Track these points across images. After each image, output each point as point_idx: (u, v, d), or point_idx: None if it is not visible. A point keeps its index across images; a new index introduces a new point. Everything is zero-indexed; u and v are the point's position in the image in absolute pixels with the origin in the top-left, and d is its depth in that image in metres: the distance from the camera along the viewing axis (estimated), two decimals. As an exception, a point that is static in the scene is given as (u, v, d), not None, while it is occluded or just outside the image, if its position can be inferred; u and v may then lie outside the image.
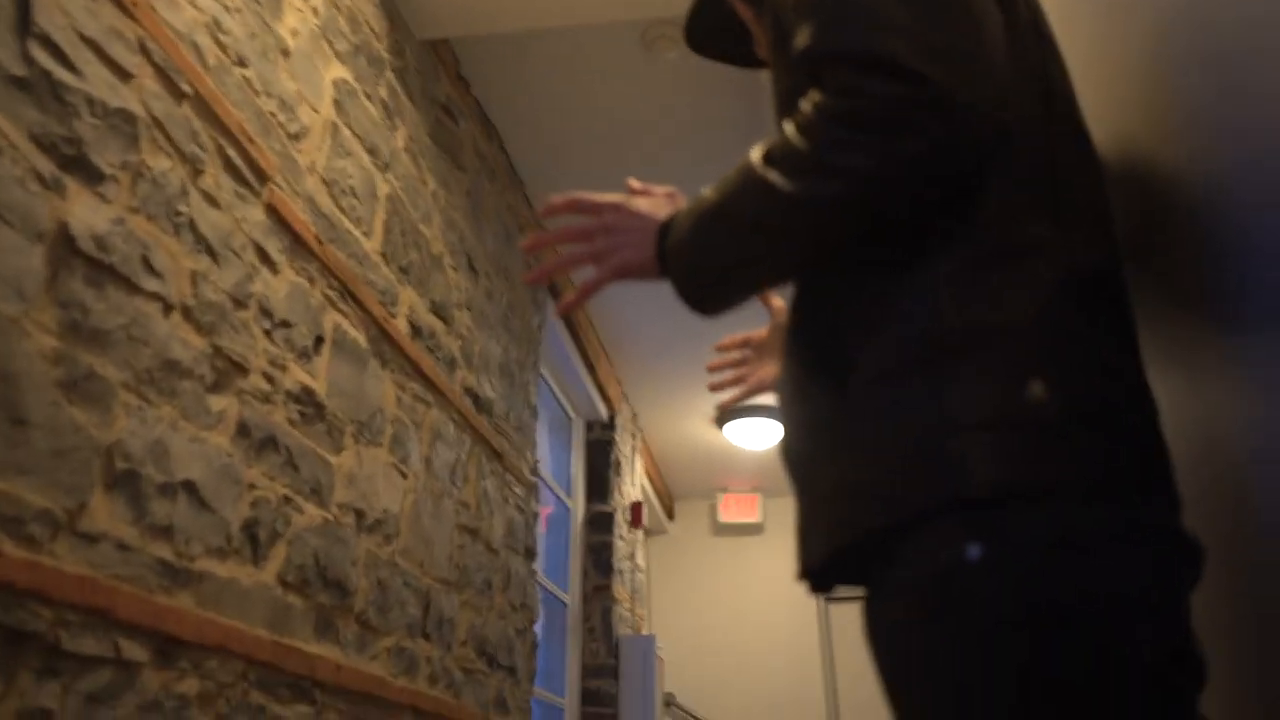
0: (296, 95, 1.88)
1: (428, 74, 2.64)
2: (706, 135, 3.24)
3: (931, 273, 0.72)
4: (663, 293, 4.38)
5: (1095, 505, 0.65)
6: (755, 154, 0.79)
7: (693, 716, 5.56)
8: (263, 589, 1.62)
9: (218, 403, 1.54)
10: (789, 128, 0.76)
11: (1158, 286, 0.87)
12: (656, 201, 0.92)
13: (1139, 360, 0.75)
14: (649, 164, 3.41)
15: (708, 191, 0.83)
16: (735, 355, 1.25)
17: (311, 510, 1.80)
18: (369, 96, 2.23)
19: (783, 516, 6.51)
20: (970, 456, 0.66)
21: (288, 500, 1.72)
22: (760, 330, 1.26)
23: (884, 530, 0.69)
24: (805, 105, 0.75)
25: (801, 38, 0.76)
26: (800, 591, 6.30)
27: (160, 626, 1.33)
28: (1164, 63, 0.85)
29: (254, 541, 1.61)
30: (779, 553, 6.47)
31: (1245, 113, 0.69)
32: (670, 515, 6.74)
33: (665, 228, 0.87)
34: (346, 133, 2.09)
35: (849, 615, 6.16)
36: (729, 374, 1.26)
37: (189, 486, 1.44)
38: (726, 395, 1.27)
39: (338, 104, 2.07)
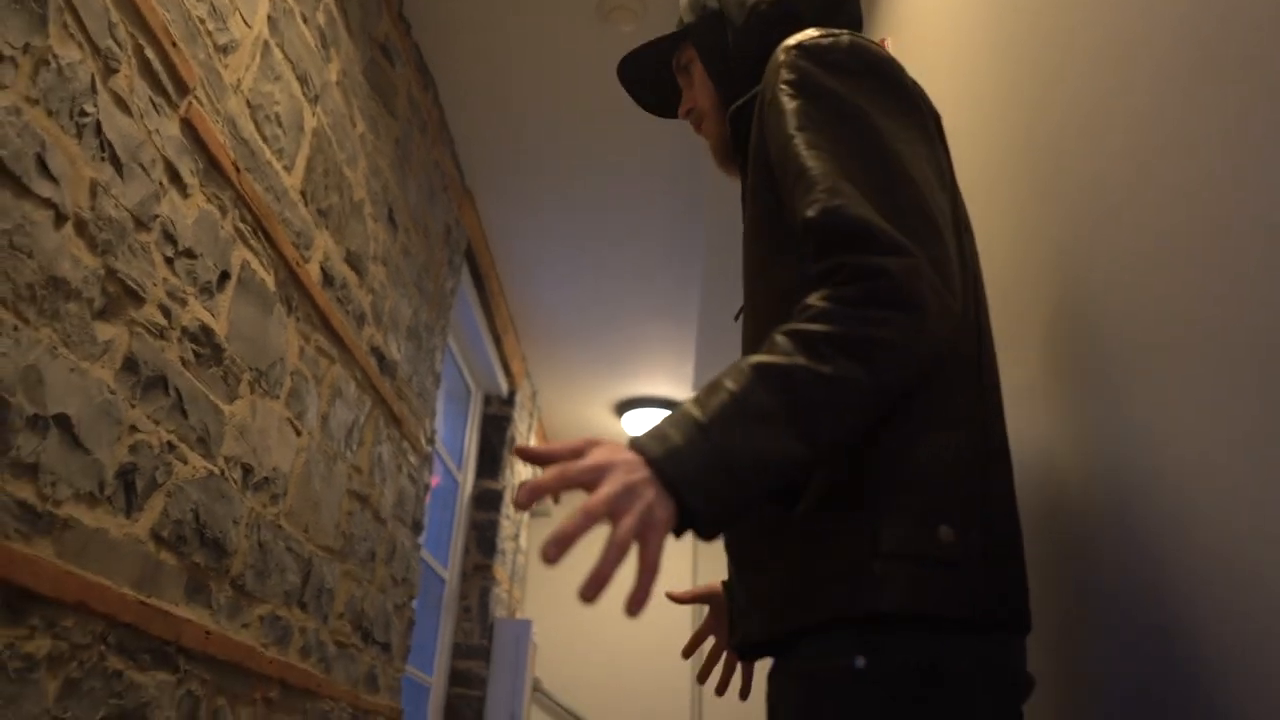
0: (229, 4, 1.70)
1: (369, 7, 2.47)
2: (652, 118, 3.14)
3: (878, 425, 0.82)
4: (578, 275, 4.23)
5: (967, 638, 0.78)
6: (763, 358, 0.76)
7: (556, 704, 5.49)
8: (133, 543, 1.45)
9: (105, 331, 1.37)
10: (811, 325, 0.77)
11: None
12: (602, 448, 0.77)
13: (1017, 515, 0.87)
14: (589, 137, 3.29)
15: (699, 412, 0.74)
16: (709, 643, 1.26)
17: (196, 461, 1.63)
18: (305, 20, 2.06)
19: (668, 511, 6.46)
20: (886, 580, 0.77)
21: (171, 447, 1.55)
22: (707, 590, 1.24)
23: (812, 626, 0.80)
24: (818, 300, 0.78)
25: (801, 206, 0.84)
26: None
27: (11, 577, 1.16)
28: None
29: (129, 490, 1.44)
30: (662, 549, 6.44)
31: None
32: (556, 499, 6.63)
33: (657, 464, 0.73)
34: (278, 54, 1.92)
35: (722, 615, 6.15)
36: (721, 669, 1.22)
37: (62, 421, 1.28)
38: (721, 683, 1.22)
39: (272, 21, 1.89)
